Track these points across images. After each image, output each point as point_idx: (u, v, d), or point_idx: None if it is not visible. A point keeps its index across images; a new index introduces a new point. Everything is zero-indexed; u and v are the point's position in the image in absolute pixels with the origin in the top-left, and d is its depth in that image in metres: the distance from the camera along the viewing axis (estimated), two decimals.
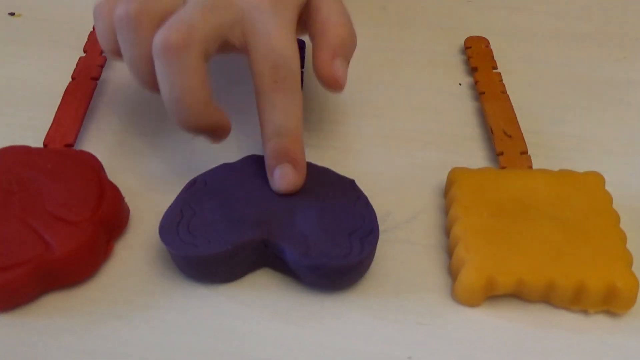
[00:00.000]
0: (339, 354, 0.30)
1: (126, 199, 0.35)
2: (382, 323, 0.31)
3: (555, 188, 0.34)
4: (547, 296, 0.31)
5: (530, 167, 0.37)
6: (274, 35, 0.33)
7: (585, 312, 0.31)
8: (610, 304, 0.31)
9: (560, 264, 0.31)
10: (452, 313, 0.31)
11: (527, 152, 0.37)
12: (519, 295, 0.31)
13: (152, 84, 0.33)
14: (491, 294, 0.31)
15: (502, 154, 0.37)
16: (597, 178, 0.35)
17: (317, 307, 0.31)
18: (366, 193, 0.34)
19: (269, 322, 0.31)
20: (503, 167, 0.37)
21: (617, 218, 0.33)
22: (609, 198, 0.34)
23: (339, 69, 0.34)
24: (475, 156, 0.39)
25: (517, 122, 0.39)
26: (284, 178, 0.33)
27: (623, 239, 0.32)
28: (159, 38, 0.31)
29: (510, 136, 0.38)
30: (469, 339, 0.30)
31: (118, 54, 0.34)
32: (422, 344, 0.30)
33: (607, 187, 0.35)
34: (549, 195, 0.34)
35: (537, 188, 0.34)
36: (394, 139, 0.40)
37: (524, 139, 0.38)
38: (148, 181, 0.37)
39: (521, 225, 0.32)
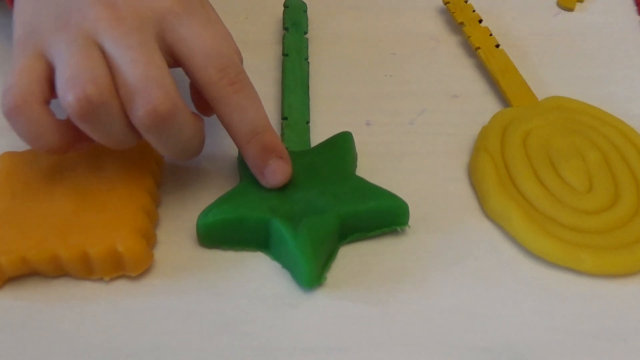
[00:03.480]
0: None
1: None
2: None
3: (93, 161, 0.34)
4: (61, 269, 0.32)
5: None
6: (204, 37, 0.31)
7: (103, 279, 0.32)
8: (122, 268, 0.31)
9: (64, 236, 0.31)
10: None
11: None
12: (37, 272, 0.32)
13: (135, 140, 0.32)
14: (6, 277, 0.31)
15: None
16: None
17: None
18: None
19: None
20: None
21: (149, 180, 0.34)
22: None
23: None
24: None
25: None
26: (277, 172, 0.33)
27: (143, 203, 0.33)
28: (143, 112, 0.29)
29: None
30: None
31: (71, 146, 0.31)
32: None
33: None
34: (83, 168, 0.34)
35: (72, 164, 0.34)
36: None
37: None
38: None
39: (38, 204, 0.32)
